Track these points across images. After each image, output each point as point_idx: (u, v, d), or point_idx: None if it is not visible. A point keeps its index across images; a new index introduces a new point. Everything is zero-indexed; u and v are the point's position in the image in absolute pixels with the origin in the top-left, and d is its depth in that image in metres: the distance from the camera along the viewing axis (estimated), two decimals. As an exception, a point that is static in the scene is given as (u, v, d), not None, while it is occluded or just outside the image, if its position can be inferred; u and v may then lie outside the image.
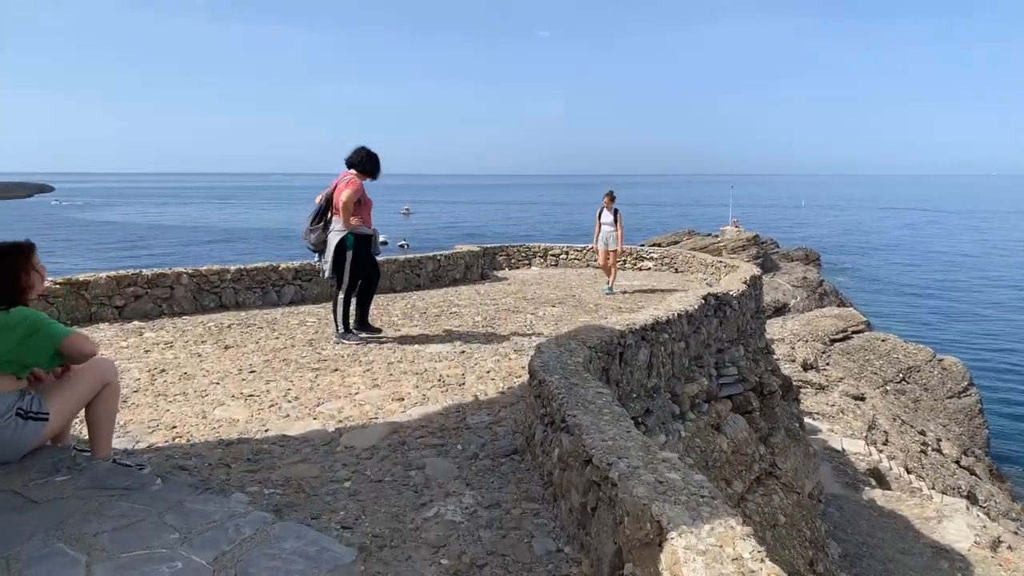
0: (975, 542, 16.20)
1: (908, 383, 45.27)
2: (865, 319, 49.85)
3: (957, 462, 34.79)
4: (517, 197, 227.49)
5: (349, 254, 6.17)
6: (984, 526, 17.66)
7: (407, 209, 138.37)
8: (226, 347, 6.13)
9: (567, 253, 15.77)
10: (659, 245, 79.39)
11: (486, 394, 4.76)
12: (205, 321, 7.48)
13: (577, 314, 8.77)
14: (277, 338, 6.61)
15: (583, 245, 16.05)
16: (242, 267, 8.74)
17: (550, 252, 15.77)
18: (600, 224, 11.65)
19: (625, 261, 15.50)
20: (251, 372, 5.27)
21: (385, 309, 8.90)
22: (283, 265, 9.16)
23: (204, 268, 8.34)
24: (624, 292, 11.17)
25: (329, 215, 6.16)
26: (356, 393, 4.72)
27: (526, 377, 4.47)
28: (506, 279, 13.35)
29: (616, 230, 11.43)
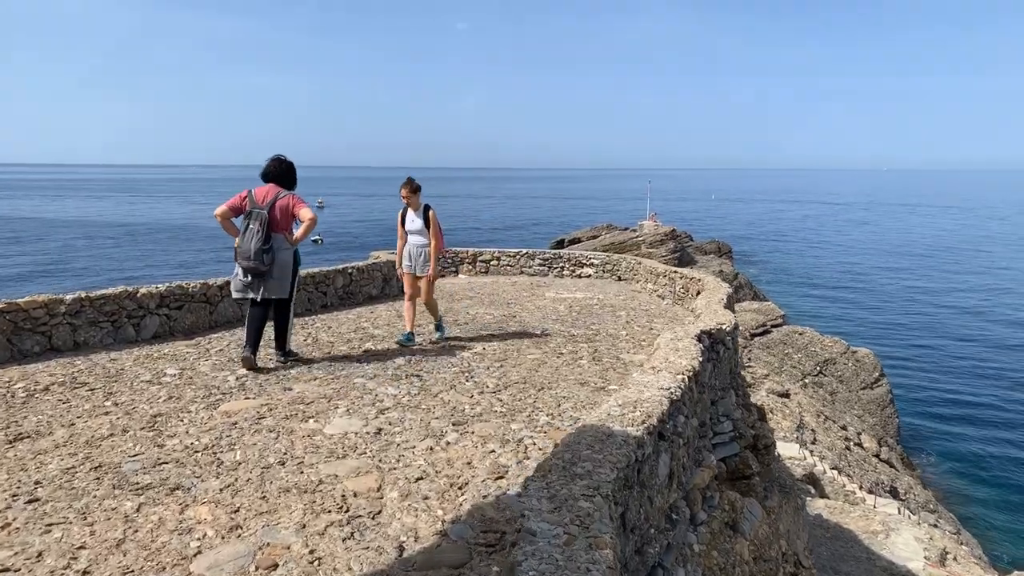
0: (925, 558, 15.57)
1: (825, 375, 45.82)
2: (783, 312, 50.45)
3: (877, 455, 35.17)
4: (436, 190, 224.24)
5: (296, 274, 6.10)
6: (931, 538, 17.12)
7: (321, 202, 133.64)
8: (15, 438, 4.04)
9: (498, 259, 14.02)
10: (579, 240, 79.07)
11: (416, 536, 2.94)
12: (12, 379, 5.31)
13: (524, 348, 7.04)
14: (107, 412, 4.56)
15: (516, 249, 14.34)
16: (84, 295, 6.55)
17: (479, 258, 13.98)
18: (404, 233, 7.29)
19: (563, 268, 13.88)
20: (31, 501, 3.23)
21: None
22: (143, 290, 7.00)
23: (24, 299, 6.12)
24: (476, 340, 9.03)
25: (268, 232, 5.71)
26: (196, 554, 2.78)
27: (474, 492, 2.86)
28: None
29: (429, 242, 7.19)
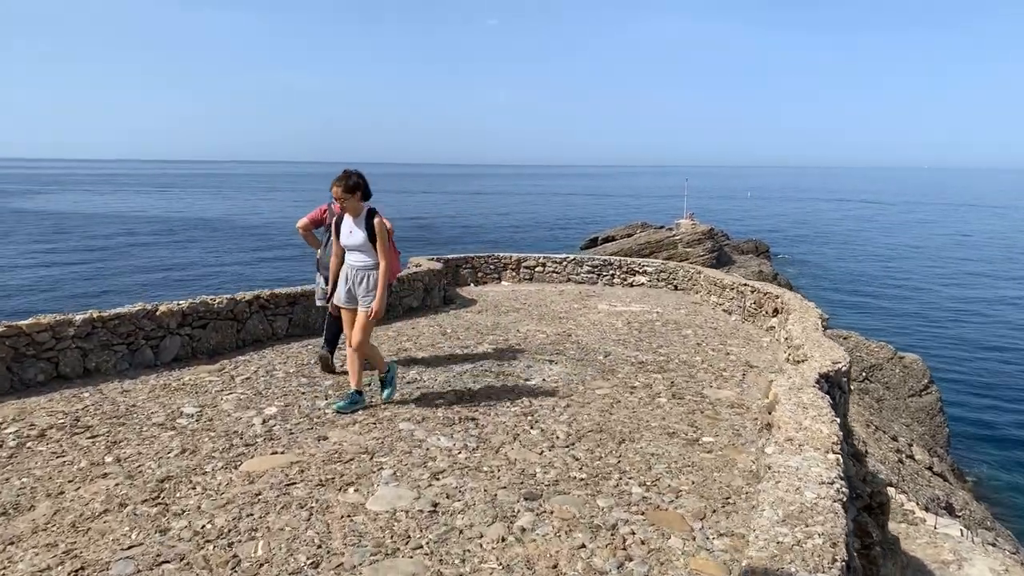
0: (1005, 594, 14.33)
1: (871, 382, 44.17)
2: (826, 316, 48.78)
3: (930, 468, 33.60)
4: (463, 187, 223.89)
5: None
6: (1006, 569, 15.87)
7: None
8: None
9: (543, 265, 13.13)
10: (612, 238, 77.86)
11: None
12: (6, 419, 4.57)
13: (589, 379, 6.14)
14: (107, 473, 3.76)
15: (562, 255, 13.44)
16: (96, 314, 5.81)
17: (523, 264, 13.11)
18: (336, 246, 5.39)
19: (614, 276, 12.94)
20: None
21: (309, 367, 6.13)
22: (163, 307, 6.25)
23: (28, 322, 5.39)
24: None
25: None
26: None
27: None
28: (474, 302, 10.64)
29: (378, 262, 5.20)
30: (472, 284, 12.73)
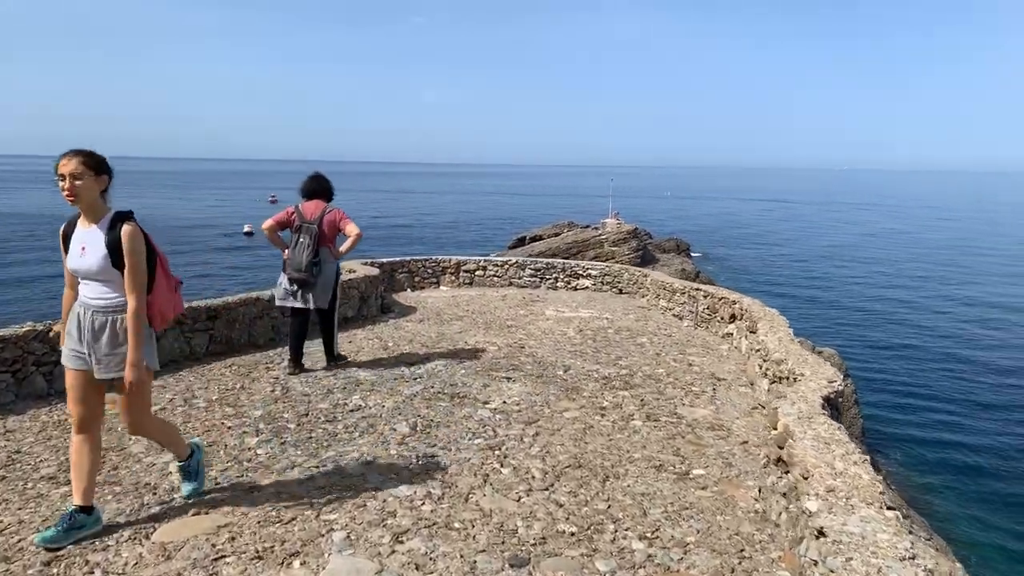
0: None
1: (792, 377, 45.41)
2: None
3: (850, 460, 34.79)
4: (387, 185, 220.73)
5: (338, 285, 6.36)
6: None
7: (274, 197, 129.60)
8: None
9: (484, 269, 12.53)
10: (540, 237, 78.06)
11: None
12: None
13: (553, 400, 5.58)
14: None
15: (503, 258, 12.88)
16: (-29, 337, 4.87)
17: (463, 267, 12.47)
18: (68, 274, 3.29)
19: (557, 279, 12.46)
20: None
21: (235, 393, 5.32)
22: (58, 326, 5.28)
23: None
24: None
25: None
26: None
27: None
28: (413, 309, 9.95)
29: (125, 298, 3.18)
30: (409, 290, 12.02)
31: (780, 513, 3.30)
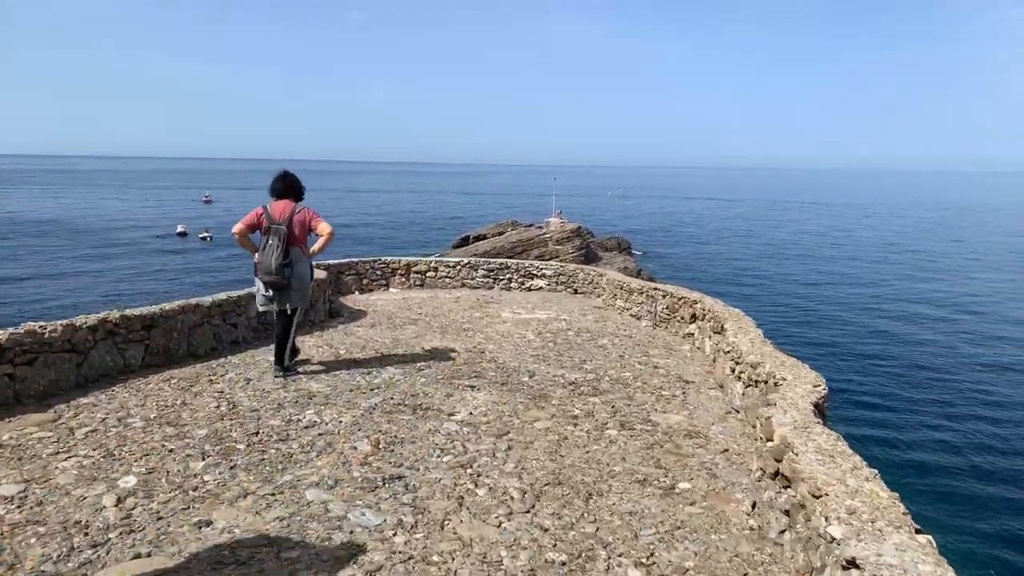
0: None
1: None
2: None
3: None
4: (335, 184, 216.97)
5: (312, 284, 6.25)
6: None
7: (208, 197, 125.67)
8: None
9: (435, 270, 12.17)
10: (484, 237, 77.83)
11: None
12: None
13: (522, 409, 5.30)
14: None
15: (455, 259, 12.53)
16: None
17: (414, 269, 12.08)
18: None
19: (511, 280, 12.19)
20: None
21: (175, 410, 4.84)
22: (-30, 341, 4.76)
23: None
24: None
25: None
26: None
27: None
28: (363, 313, 9.54)
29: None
30: (357, 292, 11.57)
31: (782, 531, 3.10)
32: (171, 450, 4.19)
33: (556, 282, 11.98)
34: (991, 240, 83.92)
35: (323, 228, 5.90)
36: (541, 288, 12.05)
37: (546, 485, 3.86)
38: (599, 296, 11.24)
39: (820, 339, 36.47)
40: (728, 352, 5.88)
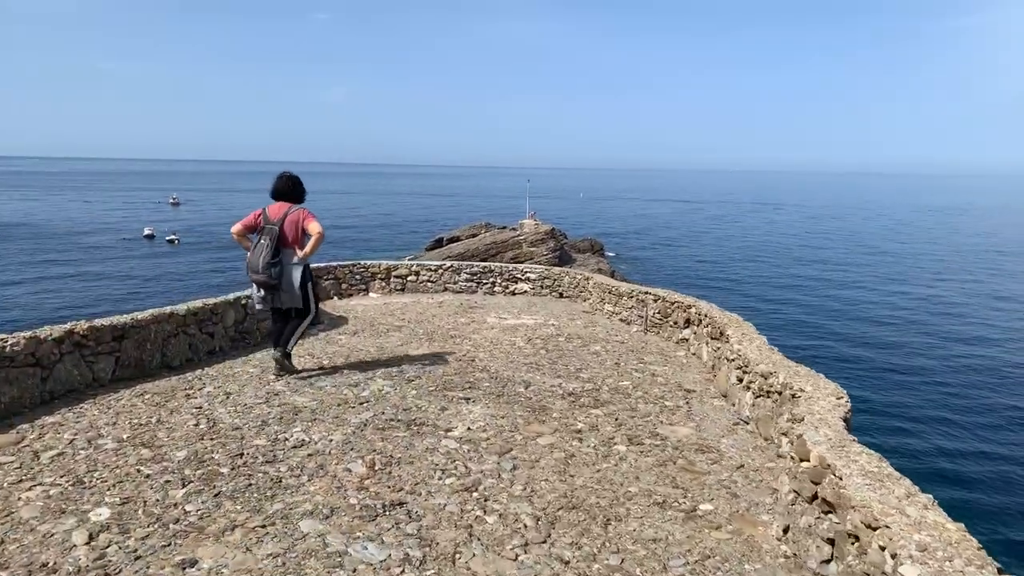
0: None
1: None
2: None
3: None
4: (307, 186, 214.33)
5: (310, 284, 6.12)
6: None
7: (175, 199, 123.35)
8: None
9: (416, 274, 11.84)
10: (457, 239, 77.45)
11: None
12: None
13: (522, 424, 5.03)
14: None
15: (437, 263, 12.21)
16: None
17: (394, 273, 11.74)
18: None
19: (495, 283, 11.91)
20: None
21: (150, 429, 4.47)
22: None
23: None
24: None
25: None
26: None
27: None
28: (344, 320, 9.19)
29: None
30: (336, 298, 11.20)
31: (825, 561, 2.86)
32: (147, 476, 3.84)
33: (541, 286, 11.72)
34: (964, 240, 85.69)
35: (312, 228, 5.84)
36: (526, 292, 11.79)
37: (559, 510, 3.59)
38: (586, 300, 11.02)
39: (798, 342, 36.69)
40: (733, 360, 5.66)
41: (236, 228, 5.92)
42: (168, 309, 6.52)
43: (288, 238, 5.85)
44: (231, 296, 7.39)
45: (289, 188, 6.01)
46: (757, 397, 5.00)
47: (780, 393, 4.54)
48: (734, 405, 5.53)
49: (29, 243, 66.53)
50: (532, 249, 71.85)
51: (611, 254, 78.86)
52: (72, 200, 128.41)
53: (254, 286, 5.93)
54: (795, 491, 3.21)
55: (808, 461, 3.11)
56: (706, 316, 7.30)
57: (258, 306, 6.06)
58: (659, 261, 75.27)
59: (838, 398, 3.97)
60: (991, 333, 37.24)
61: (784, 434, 3.69)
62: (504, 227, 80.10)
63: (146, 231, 72.32)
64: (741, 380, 5.36)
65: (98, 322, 5.72)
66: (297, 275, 5.89)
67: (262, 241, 5.75)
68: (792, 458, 3.38)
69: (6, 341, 4.90)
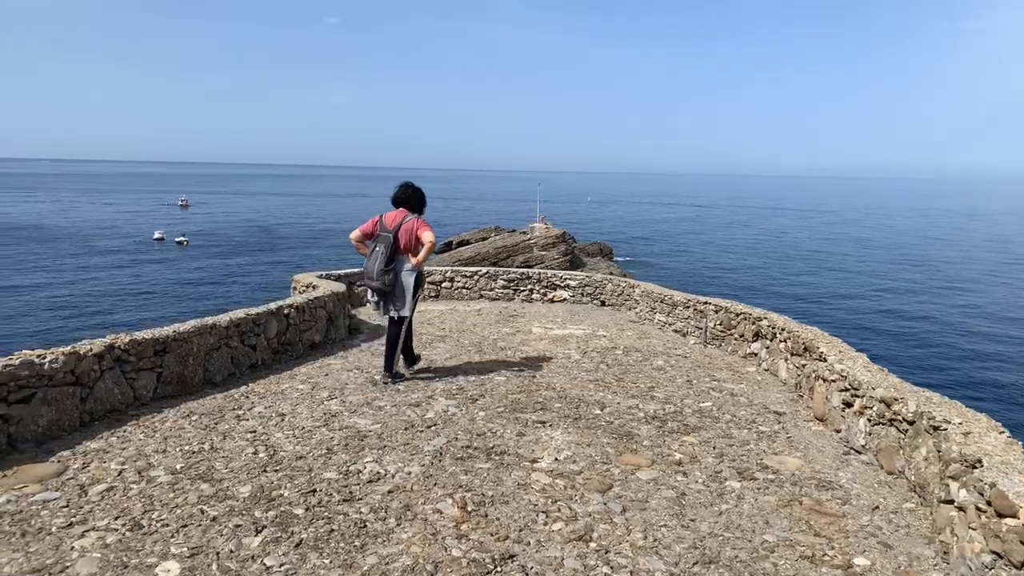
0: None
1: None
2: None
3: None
4: (308, 188, 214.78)
5: (419, 292, 6.19)
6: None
7: (184, 201, 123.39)
8: None
9: (451, 280, 11.37)
10: (467, 242, 77.03)
11: None
12: None
13: (611, 453, 4.53)
14: None
15: (473, 269, 11.73)
16: None
17: (428, 279, 11.26)
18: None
19: (532, 291, 11.43)
20: None
21: (205, 457, 3.98)
22: (-46, 377, 3.88)
23: None
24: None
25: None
26: None
27: None
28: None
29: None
30: (365, 303, 10.73)
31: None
32: (214, 518, 3.36)
33: (582, 294, 11.23)
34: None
35: (425, 237, 5.91)
36: (565, 300, 11.30)
37: (695, 565, 3.09)
38: (631, 309, 10.52)
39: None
40: (833, 381, 5.15)
41: (354, 235, 6.07)
42: (210, 320, 6.04)
43: (401, 245, 5.91)
44: (272, 306, 6.91)
45: (409, 197, 6.09)
46: (874, 425, 4.49)
47: (912, 423, 4.03)
48: (839, 432, 5.03)
49: (42, 246, 66.38)
50: (543, 253, 71.39)
51: (622, 258, 78.33)
52: (82, 203, 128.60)
53: (368, 292, 6.08)
54: (996, 552, 2.71)
55: (1016, 518, 2.61)
56: (782, 329, 6.79)
57: (373, 310, 6.28)
58: (671, 266, 74.70)
59: (1000, 432, 3.47)
60: None
61: (953, 478, 3.18)
62: (514, 230, 79.66)
63: (156, 234, 72.16)
64: (849, 404, 4.85)
65: (139, 335, 5.26)
66: (410, 282, 5.95)
67: (378, 248, 5.82)
68: (979, 509, 2.87)
69: (44, 357, 4.43)
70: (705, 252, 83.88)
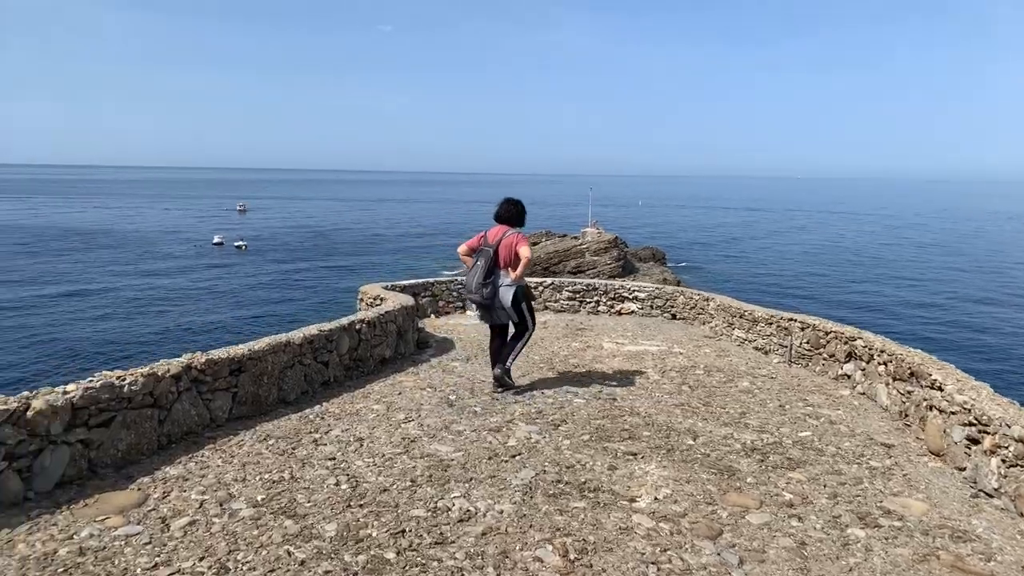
0: None
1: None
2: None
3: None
4: (363, 194, 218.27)
5: (526, 303, 6.31)
6: None
7: (243, 206, 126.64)
8: None
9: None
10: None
11: None
12: None
13: (714, 492, 4.19)
14: None
15: (537, 279, 11.46)
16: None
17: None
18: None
19: (599, 302, 11.10)
20: None
21: (286, 488, 3.79)
22: (38, 401, 3.77)
23: None
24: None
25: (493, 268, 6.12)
26: None
27: None
28: (450, 343, 8.56)
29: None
30: (433, 315, 10.57)
31: None
32: (302, 562, 3.14)
33: (651, 306, 10.85)
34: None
35: (522, 253, 6.01)
36: (633, 312, 10.93)
37: (838, 638, 2.75)
38: (705, 323, 10.09)
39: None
40: (954, 413, 4.70)
41: (462, 249, 6.28)
42: (284, 337, 5.91)
43: (501, 260, 6.06)
44: (344, 321, 6.76)
45: (510, 213, 6.26)
46: (1010, 467, 4.05)
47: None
48: (962, 470, 4.58)
49: (109, 252, 68.82)
50: (595, 258, 70.72)
51: (673, 264, 77.04)
52: (144, 208, 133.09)
53: (471, 304, 6.37)
54: None
55: None
56: (881, 351, 6.33)
57: (478, 320, 6.76)
58: (727, 272, 73.15)
59: None
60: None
61: None
62: (565, 235, 79.15)
63: (216, 239, 74.03)
64: (976, 441, 4.41)
65: (215, 354, 5.13)
66: (508, 295, 6.06)
67: (479, 262, 6.02)
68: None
69: (123, 379, 4.32)
70: (763, 258, 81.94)
